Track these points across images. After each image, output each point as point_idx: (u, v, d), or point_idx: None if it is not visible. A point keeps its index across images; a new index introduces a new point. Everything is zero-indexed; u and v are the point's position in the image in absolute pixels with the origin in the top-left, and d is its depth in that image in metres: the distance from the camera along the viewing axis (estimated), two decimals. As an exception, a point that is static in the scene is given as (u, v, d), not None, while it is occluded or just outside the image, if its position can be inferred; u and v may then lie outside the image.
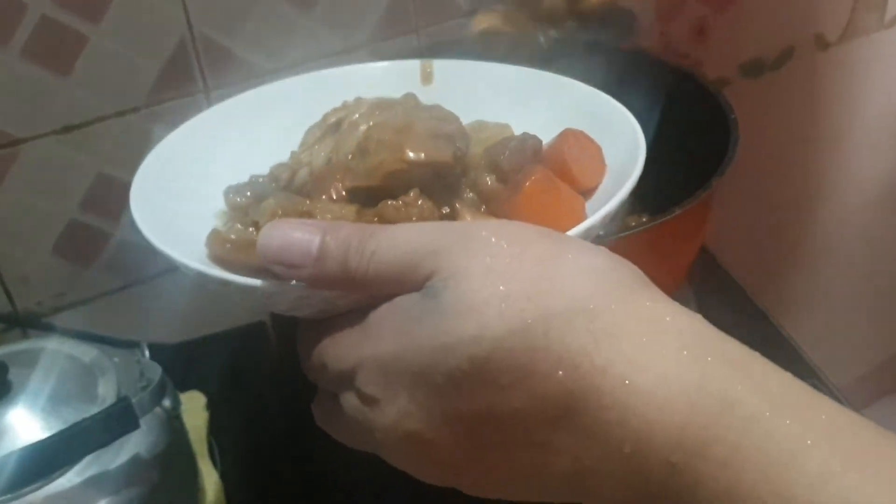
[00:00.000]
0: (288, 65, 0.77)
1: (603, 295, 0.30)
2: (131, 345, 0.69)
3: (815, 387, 0.30)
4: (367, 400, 0.32)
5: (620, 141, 0.43)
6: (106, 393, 0.47)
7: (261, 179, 0.46)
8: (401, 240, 0.32)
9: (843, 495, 0.27)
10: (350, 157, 0.43)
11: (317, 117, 0.48)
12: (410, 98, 0.48)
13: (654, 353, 0.29)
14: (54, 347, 0.50)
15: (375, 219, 0.38)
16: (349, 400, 0.34)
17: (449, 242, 0.32)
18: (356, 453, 0.36)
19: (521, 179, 0.41)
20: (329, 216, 0.39)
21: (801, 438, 0.27)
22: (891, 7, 1.10)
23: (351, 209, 0.40)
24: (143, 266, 0.80)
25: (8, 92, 0.67)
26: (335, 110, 0.48)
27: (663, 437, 0.28)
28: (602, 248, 0.33)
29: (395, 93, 0.49)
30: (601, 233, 0.39)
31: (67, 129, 0.70)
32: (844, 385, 1.47)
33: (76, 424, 0.42)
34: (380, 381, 0.32)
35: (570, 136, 0.44)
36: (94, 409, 0.46)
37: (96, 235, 0.76)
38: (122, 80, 0.71)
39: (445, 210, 0.41)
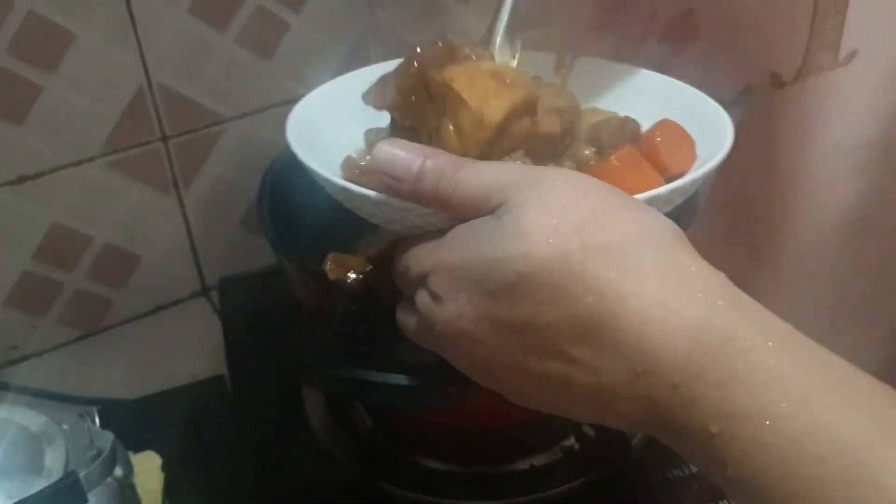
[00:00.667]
0: (249, 111, 0.77)
1: (640, 242, 0.35)
2: (86, 401, 0.68)
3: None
4: (434, 297, 0.39)
5: (713, 138, 0.49)
6: (53, 464, 0.45)
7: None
8: (483, 173, 0.39)
9: (819, 414, 0.31)
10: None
11: None
12: (538, 78, 0.52)
13: (671, 292, 0.34)
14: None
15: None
16: (421, 297, 0.40)
17: (521, 180, 0.38)
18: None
19: (611, 153, 0.47)
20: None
21: (788, 369, 0.32)
22: (844, 46, 1.12)
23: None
24: (99, 317, 0.78)
25: (-42, 143, 0.66)
26: None
27: (669, 362, 0.33)
28: (653, 208, 0.38)
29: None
30: (668, 209, 0.43)
31: (21, 179, 0.69)
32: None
33: (23, 501, 0.41)
34: (445, 282, 0.38)
35: (664, 125, 0.50)
36: (40, 483, 0.44)
37: (50, 286, 0.74)
38: (78, 130, 0.70)
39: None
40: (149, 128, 0.73)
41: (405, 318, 0.43)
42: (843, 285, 1.39)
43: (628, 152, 0.47)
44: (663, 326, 0.33)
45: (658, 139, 0.49)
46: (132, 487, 0.48)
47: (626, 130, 0.50)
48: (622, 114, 0.54)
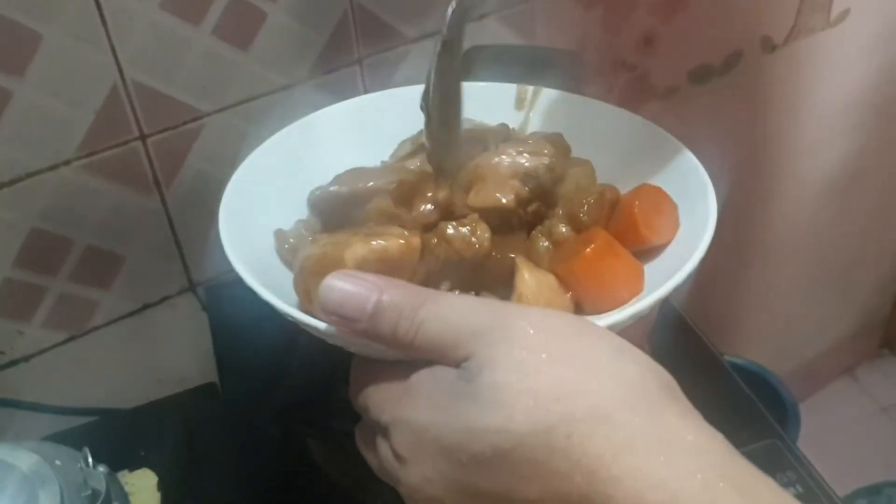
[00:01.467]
0: (228, 104, 0.74)
1: (627, 406, 0.32)
2: (82, 412, 0.67)
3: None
4: (398, 456, 0.35)
5: (693, 204, 0.45)
6: (49, 507, 0.45)
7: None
8: (447, 316, 0.35)
9: None
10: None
11: (409, 134, 0.53)
12: (502, 130, 0.51)
13: (669, 473, 0.31)
14: (-8, 456, 0.47)
15: (435, 239, 0.43)
16: (383, 448, 0.37)
17: (489, 327, 0.34)
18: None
19: (583, 242, 0.43)
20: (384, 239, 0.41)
21: None
22: (835, 6, 1.10)
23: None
24: (86, 319, 0.77)
25: (-71, 154, 0.63)
26: None
27: None
28: (638, 351, 0.35)
29: (489, 113, 0.53)
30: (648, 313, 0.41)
31: (-4, 187, 0.67)
32: (789, 373, 1.50)
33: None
34: (410, 444, 0.35)
35: (643, 193, 0.46)
36: (39, 529, 0.44)
37: (34, 292, 0.73)
38: (52, 133, 0.68)
39: (511, 256, 0.44)
40: (126, 127, 0.71)
41: (363, 446, 0.40)
42: (829, 243, 1.39)
43: (603, 242, 0.43)
44: None
45: (636, 211, 0.45)
46: (128, 525, 0.48)
47: (604, 205, 0.46)
48: (585, 154, 0.51)
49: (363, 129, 0.56)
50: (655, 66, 1.01)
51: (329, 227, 0.47)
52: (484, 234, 0.44)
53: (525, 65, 0.62)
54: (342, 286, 0.36)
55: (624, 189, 0.49)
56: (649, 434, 0.32)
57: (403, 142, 0.54)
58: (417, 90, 0.49)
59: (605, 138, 0.52)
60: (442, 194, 0.45)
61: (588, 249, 0.42)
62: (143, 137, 0.72)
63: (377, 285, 0.36)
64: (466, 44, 0.74)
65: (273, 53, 0.74)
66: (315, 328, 0.39)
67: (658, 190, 0.46)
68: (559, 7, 0.89)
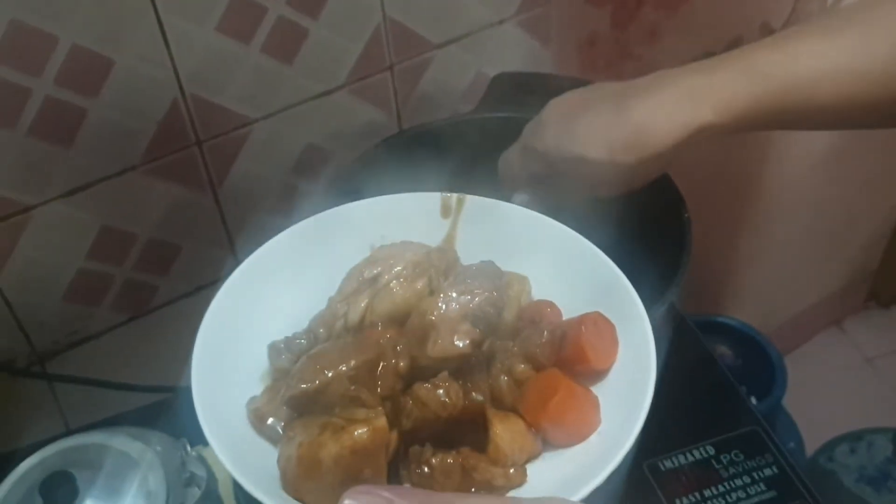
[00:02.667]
0: (273, 111, 0.82)
1: None
2: (155, 389, 0.77)
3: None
4: None
5: (630, 323, 0.48)
6: (157, 489, 0.55)
7: (299, 340, 0.50)
8: None
9: None
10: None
11: (346, 254, 0.53)
12: (440, 258, 0.52)
13: None
14: (103, 443, 0.57)
15: (410, 401, 0.45)
16: None
17: None
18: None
19: (547, 391, 0.46)
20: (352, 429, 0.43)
21: None
22: (832, -8, 1.16)
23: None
24: (147, 301, 0.87)
25: (17, 166, 0.72)
26: (372, 262, 0.52)
27: None
28: None
29: (417, 223, 0.55)
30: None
31: (72, 191, 0.76)
32: (782, 324, 1.60)
33: (143, 534, 0.50)
34: None
35: (588, 322, 0.48)
36: (150, 507, 0.54)
37: (103, 279, 0.82)
38: (120, 144, 0.76)
39: (479, 398, 0.46)
40: (184, 135, 0.79)
41: None
42: (822, 205, 1.48)
43: (565, 393, 0.46)
44: None
45: (584, 343, 0.47)
46: (219, 499, 0.58)
47: (556, 342, 0.48)
48: (514, 259, 0.53)
49: (304, 262, 0.54)
50: (660, 56, 1.08)
51: (300, 410, 0.47)
52: (457, 393, 0.45)
53: (543, 93, 0.70)
54: None
55: (558, 298, 0.52)
56: None
57: (348, 276, 0.53)
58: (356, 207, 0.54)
59: (531, 244, 0.54)
60: (402, 364, 0.46)
61: (552, 402, 0.46)
62: (199, 143, 0.80)
63: (388, 499, 0.36)
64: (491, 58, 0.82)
65: (314, 64, 0.81)
66: None
67: (598, 316, 0.48)
68: (572, 9, 0.96)
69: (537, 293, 0.53)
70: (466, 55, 0.90)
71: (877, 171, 1.52)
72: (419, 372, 0.46)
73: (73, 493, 0.53)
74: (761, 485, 0.68)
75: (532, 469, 0.46)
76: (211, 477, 0.56)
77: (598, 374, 0.48)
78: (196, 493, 0.55)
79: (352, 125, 0.88)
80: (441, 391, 0.45)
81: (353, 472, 0.42)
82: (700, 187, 1.15)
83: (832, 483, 1.40)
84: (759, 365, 1.35)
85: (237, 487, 0.68)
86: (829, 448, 1.43)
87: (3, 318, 0.78)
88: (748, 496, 0.67)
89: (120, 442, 0.57)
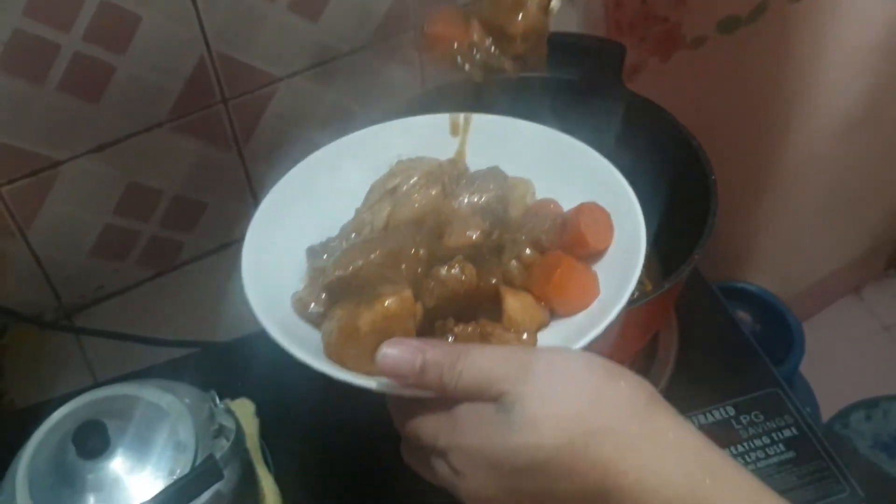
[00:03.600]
0: (298, 70, 0.83)
1: (625, 418, 0.43)
2: (182, 343, 0.78)
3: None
4: (456, 472, 0.46)
5: (623, 209, 0.54)
6: (187, 440, 0.56)
7: (333, 243, 0.57)
8: (480, 365, 0.45)
9: None
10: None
11: (369, 171, 0.60)
12: (451, 167, 0.59)
13: (659, 464, 0.42)
14: (134, 394, 0.58)
15: (432, 282, 0.51)
16: (441, 466, 0.47)
17: (514, 371, 0.44)
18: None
19: (550, 267, 0.54)
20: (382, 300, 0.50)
21: None
22: (861, -45, 1.15)
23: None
24: (173, 257, 0.88)
25: (46, 122, 0.72)
26: (391, 175, 0.59)
27: None
28: (625, 370, 0.45)
29: (432, 143, 0.62)
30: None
31: (100, 147, 0.76)
32: (800, 291, 1.60)
33: (175, 483, 0.51)
34: (466, 462, 0.45)
35: (584, 210, 0.55)
36: (179, 457, 0.55)
37: (129, 235, 0.83)
38: (147, 100, 0.76)
39: (493, 282, 0.53)
40: (210, 92, 0.79)
41: (417, 466, 0.50)
42: (843, 173, 1.47)
43: (567, 266, 0.53)
44: (656, 496, 0.42)
45: (583, 228, 0.54)
46: (247, 451, 0.59)
47: (557, 227, 0.55)
48: (520, 170, 0.59)
49: (340, 179, 0.61)
50: (686, 18, 1.07)
51: (337, 296, 0.54)
52: (470, 270, 0.52)
53: (575, 51, 0.70)
54: (393, 352, 0.46)
55: (560, 198, 0.58)
56: (643, 438, 0.43)
57: (371, 189, 0.60)
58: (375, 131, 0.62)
59: (534, 152, 0.60)
60: (422, 252, 0.53)
61: (556, 275, 0.53)
62: (224, 101, 0.80)
63: (419, 347, 0.46)
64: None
65: (339, 23, 0.81)
66: (368, 386, 0.47)
67: (594, 205, 0.55)
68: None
69: (541, 194, 0.60)
70: (492, 15, 0.90)
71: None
72: (437, 262, 0.52)
73: (105, 442, 0.54)
74: (780, 445, 0.68)
75: (542, 335, 0.53)
76: (239, 429, 0.57)
77: (597, 255, 0.54)
78: (224, 444, 0.56)
79: (377, 84, 0.88)
80: (456, 269, 0.51)
81: (386, 337, 0.48)
82: (721, 154, 1.15)
83: (847, 449, 1.40)
84: (778, 331, 1.35)
85: (263, 438, 0.69)
86: (844, 414, 1.44)
87: (31, 273, 0.79)
88: (767, 456, 0.68)
89: (150, 393, 0.58)
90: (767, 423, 0.69)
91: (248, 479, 0.60)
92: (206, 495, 0.54)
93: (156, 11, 0.72)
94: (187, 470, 0.54)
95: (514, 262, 0.55)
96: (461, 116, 0.63)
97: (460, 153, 0.63)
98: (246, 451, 0.59)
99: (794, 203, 1.47)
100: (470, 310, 0.53)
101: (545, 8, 0.59)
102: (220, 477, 0.53)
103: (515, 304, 0.53)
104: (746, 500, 0.42)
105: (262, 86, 0.82)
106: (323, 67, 0.83)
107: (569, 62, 0.67)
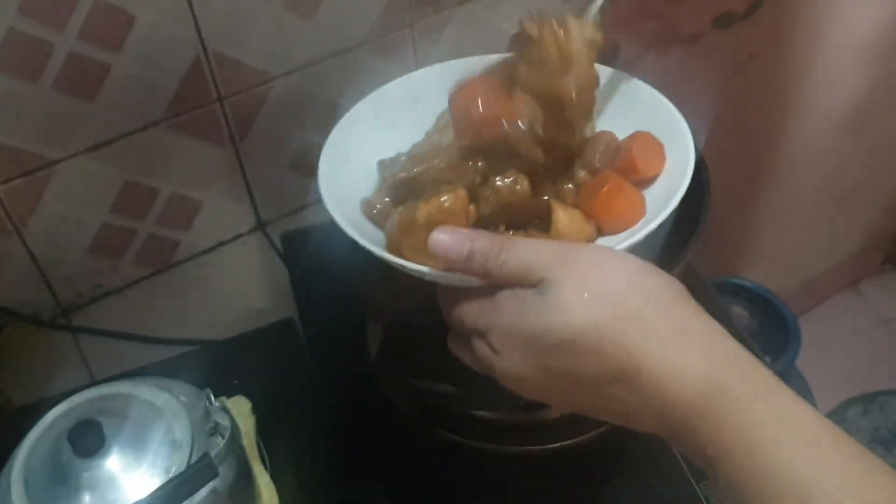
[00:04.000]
0: (294, 68, 0.83)
1: (654, 307, 0.46)
2: (179, 342, 0.79)
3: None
4: (494, 350, 0.49)
5: (676, 141, 0.58)
6: (182, 437, 0.56)
7: (402, 157, 0.63)
8: (522, 254, 0.48)
9: (783, 456, 0.41)
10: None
11: (438, 102, 0.64)
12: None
13: (681, 352, 0.45)
14: (130, 393, 0.58)
15: (487, 191, 0.56)
16: (480, 346, 0.51)
17: (553, 260, 0.48)
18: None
19: (600, 184, 0.57)
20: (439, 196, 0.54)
21: (766, 416, 0.43)
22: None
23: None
24: (169, 255, 0.88)
25: (42, 120, 0.73)
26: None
27: (680, 404, 0.44)
28: (656, 268, 0.48)
29: None
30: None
31: (97, 146, 0.76)
32: (798, 286, 1.60)
33: (170, 481, 0.52)
34: (502, 341, 0.49)
35: (637, 137, 0.59)
36: (175, 455, 0.55)
37: (126, 233, 0.83)
38: (143, 99, 0.76)
39: (545, 198, 0.57)
40: (206, 91, 0.79)
41: (460, 352, 0.54)
42: (841, 168, 1.47)
43: (614, 184, 0.57)
44: (675, 379, 0.44)
45: (634, 153, 0.58)
46: (242, 448, 0.59)
47: (611, 150, 0.59)
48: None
49: (414, 104, 0.67)
50: (682, 15, 1.07)
51: (400, 198, 0.60)
52: (524, 182, 0.56)
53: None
54: (444, 237, 0.50)
55: (617, 130, 0.62)
56: (668, 326, 0.45)
57: (442, 113, 0.65)
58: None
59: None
60: (480, 164, 0.57)
61: (603, 190, 0.56)
62: (220, 99, 0.80)
63: (469, 235, 0.49)
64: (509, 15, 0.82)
65: (335, 20, 0.81)
66: (421, 272, 0.51)
67: (647, 134, 0.59)
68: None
69: (599, 128, 0.63)
70: (487, 12, 0.90)
71: (894, 138, 1.51)
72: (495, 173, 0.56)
73: (100, 440, 0.54)
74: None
75: None
76: (234, 427, 0.57)
77: (647, 181, 0.58)
78: (219, 442, 0.56)
79: (372, 82, 0.88)
80: (510, 180, 0.56)
81: None
82: (717, 149, 1.15)
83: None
84: (775, 326, 1.35)
85: (259, 435, 0.69)
86: (842, 409, 1.44)
87: (28, 272, 0.80)
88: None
89: (146, 392, 0.58)
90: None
91: (244, 477, 0.60)
92: (202, 493, 0.55)
93: (150, 10, 0.72)
94: (183, 468, 0.54)
95: (568, 185, 0.58)
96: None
97: None
98: (242, 448, 0.60)
99: (791, 198, 1.47)
100: (522, 222, 0.57)
101: (595, 47, 0.59)
102: (215, 474, 0.53)
103: (565, 217, 0.56)
104: (759, 387, 0.44)
105: (258, 84, 0.82)
106: (318, 65, 0.83)
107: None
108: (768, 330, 1.35)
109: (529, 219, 0.57)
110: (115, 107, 0.75)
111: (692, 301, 0.47)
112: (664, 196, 0.55)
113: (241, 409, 0.69)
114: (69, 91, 0.72)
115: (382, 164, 0.64)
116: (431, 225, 0.52)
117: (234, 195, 0.88)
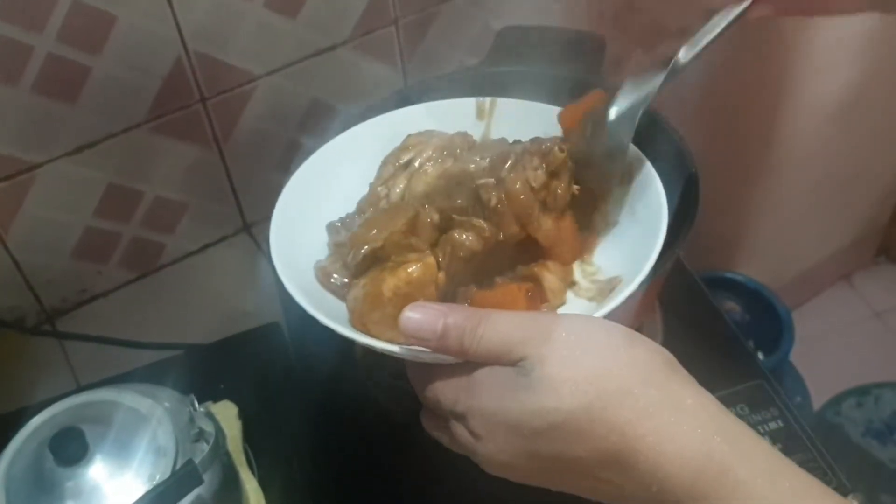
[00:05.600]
0: (278, 67, 0.82)
1: (643, 382, 0.43)
2: (166, 346, 0.78)
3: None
4: (475, 435, 0.46)
5: (644, 186, 0.56)
6: (167, 444, 0.55)
7: (351, 219, 0.60)
8: (501, 329, 0.45)
9: None
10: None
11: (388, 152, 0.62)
12: (463, 140, 0.61)
13: (676, 429, 0.42)
14: (113, 399, 0.57)
15: (450, 248, 0.53)
16: (460, 430, 0.47)
17: (533, 335, 0.45)
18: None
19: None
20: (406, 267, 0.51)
21: (771, 498, 0.41)
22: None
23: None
24: (155, 259, 0.87)
25: (21, 124, 0.72)
26: (404, 149, 0.61)
27: (678, 486, 0.41)
28: (643, 337, 0.45)
29: (455, 126, 0.63)
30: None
31: (79, 149, 0.75)
32: (791, 279, 1.60)
33: (153, 489, 0.51)
34: (484, 425, 0.45)
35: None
36: (159, 462, 0.54)
37: (111, 237, 0.82)
38: (125, 101, 0.75)
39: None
40: (188, 92, 0.78)
41: (437, 433, 0.51)
42: (832, 160, 1.46)
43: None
44: (673, 460, 0.41)
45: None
46: (228, 455, 0.58)
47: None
48: None
49: (354, 160, 0.63)
50: (670, 9, 1.06)
51: (362, 268, 0.55)
52: (485, 228, 0.54)
53: (555, 45, 0.69)
54: (415, 315, 0.46)
55: None
56: (660, 402, 0.42)
57: (384, 163, 0.62)
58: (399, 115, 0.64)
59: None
60: (436, 217, 0.55)
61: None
62: (203, 100, 0.79)
63: (441, 311, 0.46)
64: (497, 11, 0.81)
65: (318, 19, 0.81)
66: (391, 351, 0.48)
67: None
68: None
69: None
70: (472, 8, 0.89)
71: (888, 125, 1.50)
72: (448, 223, 0.54)
73: (83, 448, 0.53)
74: (766, 438, 0.68)
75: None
76: (219, 432, 0.57)
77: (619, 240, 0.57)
78: (204, 448, 0.55)
79: (357, 80, 0.87)
80: (470, 234, 0.53)
81: (408, 302, 0.48)
82: (708, 141, 1.15)
83: (838, 436, 1.40)
84: (767, 320, 1.35)
85: (246, 441, 0.69)
86: (836, 402, 1.44)
87: (11, 278, 0.79)
88: (753, 449, 0.67)
89: (129, 398, 0.58)
90: (753, 416, 0.69)
91: (230, 483, 0.59)
92: (187, 500, 0.54)
93: (131, 11, 0.71)
94: (167, 475, 0.53)
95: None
96: (487, 101, 0.64)
97: (486, 136, 0.64)
98: (227, 454, 0.59)
99: (782, 192, 1.47)
100: (491, 270, 0.55)
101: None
102: (199, 481, 0.52)
103: (552, 277, 0.55)
104: (763, 467, 0.42)
105: (241, 84, 0.81)
106: (302, 64, 0.83)
107: (548, 56, 0.66)
108: (761, 324, 1.35)
109: (498, 265, 0.55)
110: (97, 109, 0.74)
111: (682, 371, 0.45)
112: (638, 243, 0.54)
113: (227, 413, 0.68)
114: (49, 94, 0.71)
115: (332, 228, 0.60)
116: (399, 298, 0.50)
117: (219, 197, 0.87)
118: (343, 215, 0.61)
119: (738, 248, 1.51)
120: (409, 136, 0.62)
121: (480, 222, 0.54)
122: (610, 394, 0.42)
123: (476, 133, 0.64)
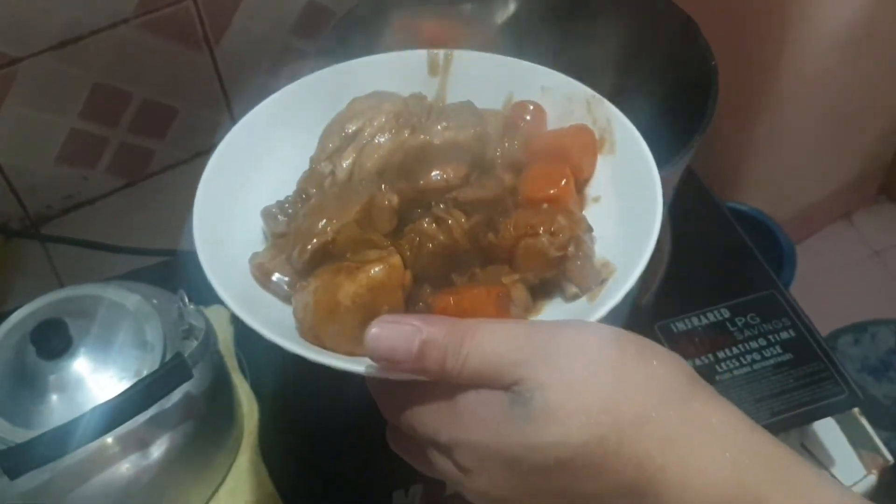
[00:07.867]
0: (271, -36, 0.78)
1: (663, 405, 0.37)
2: (156, 252, 0.75)
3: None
4: (462, 469, 0.39)
5: (632, 160, 0.48)
6: (154, 339, 0.53)
7: (290, 203, 0.49)
8: (489, 346, 0.38)
9: None
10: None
11: (331, 115, 0.51)
12: (419, 104, 0.51)
13: (702, 455, 0.36)
14: (98, 294, 0.55)
15: (416, 238, 0.44)
16: (443, 462, 0.40)
17: (530, 354, 0.37)
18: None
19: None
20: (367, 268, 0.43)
21: None
22: None
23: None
24: (144, 166, 0.84)
25: (1, 13, 0.68)
26: (349, 117, 0.50)
27: None
28: (656, 347, 0.39)
29: (404, 83, 0.52)
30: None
31: (63, 44, 0.72)
32: (792, 215, 1.58)
33: (141, 381, 0.48)
34: (474, 460, 0.38)
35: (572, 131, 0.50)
36: (146, 357, 0.52)
37: (97, 141, 0.79)
38: (112, -7, 0.72)
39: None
40: (178, -14, 0.74)
41: (409, 456, 0.43)
42: (837, 94, 1.43)
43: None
44: (699, 492, 0.35)
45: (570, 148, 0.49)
46: (219, 353, 0.56)
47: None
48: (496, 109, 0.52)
49: (290, 127, 0.52)
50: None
51: (315, 266, 0.45)
52: (458, 217, 0.45)
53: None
54: (385, 333, 0.38)
55: None
56: (682, 425, 0.36)
57: (326, 133, 0.51)
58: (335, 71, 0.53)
59: (522, 92, 0.53)
60: (395, 200, 0.45)
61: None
62: (194, -3, 0.76)
63: (416, 326, 0.38)
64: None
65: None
66: (355, 371, 0.39)
67: (585, 129, 0.50)
68: None
69: None
70: None
71: (891, 63, 1.47)
72: (410, 206, 0.45)
73: (67, 341, 0.51)
74: (777, 347, 0.66)
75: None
76: (210, 329, 0.54)
77: (610, 218, 0.47)
78: (194, 344, 0.53)
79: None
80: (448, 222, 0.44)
81: (371, 311, 0.41)
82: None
83: (835, 372, 1.40)
84: (769, 251, 1.33)
85: (238, 346, 0.66)
86: (832, 338, 1.43)
87: (-6, 180, 0.76)
88: (763, 358, 0.66)
89: (115, 293, 0.55)
90: (764, 325, 0.67)
91: (221, 384, 0.57)
92: (176, 395, 0.52)
93: None
94: (155, 370, 0.51)
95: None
96: (440, 54, 0.54)
97: (441, 96, 0.54)
98: (218, 353, 0.57)
99: (787, 124, 1.44)
100: (462, 266, 0.46)
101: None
102: (189, 376, 0.50)
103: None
104: (800, 492, 0.36)
105: (235, -19, 0.77)
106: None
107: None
108: (764, 254, 1.33)
109: (471, 259, 0.46)
110: (80, 1, 0.70)
111: (702, 383, 0.38)
112: (631, 235, 0.45)
113: (219, 318, 0.66)
114: (32, -20, 0.67)
115: (268, 215, 0.49)
116: (360, 308, 0.41)
117: (211, 103, 0.83)
118: (281, 198, 0.49)
119: (741, 179, 1.48)
120: (354, 99, 0.51)
121: (457, 213, 0.44)
122: (626, 422, 0.36)
123: (429, 92, 0.53)
